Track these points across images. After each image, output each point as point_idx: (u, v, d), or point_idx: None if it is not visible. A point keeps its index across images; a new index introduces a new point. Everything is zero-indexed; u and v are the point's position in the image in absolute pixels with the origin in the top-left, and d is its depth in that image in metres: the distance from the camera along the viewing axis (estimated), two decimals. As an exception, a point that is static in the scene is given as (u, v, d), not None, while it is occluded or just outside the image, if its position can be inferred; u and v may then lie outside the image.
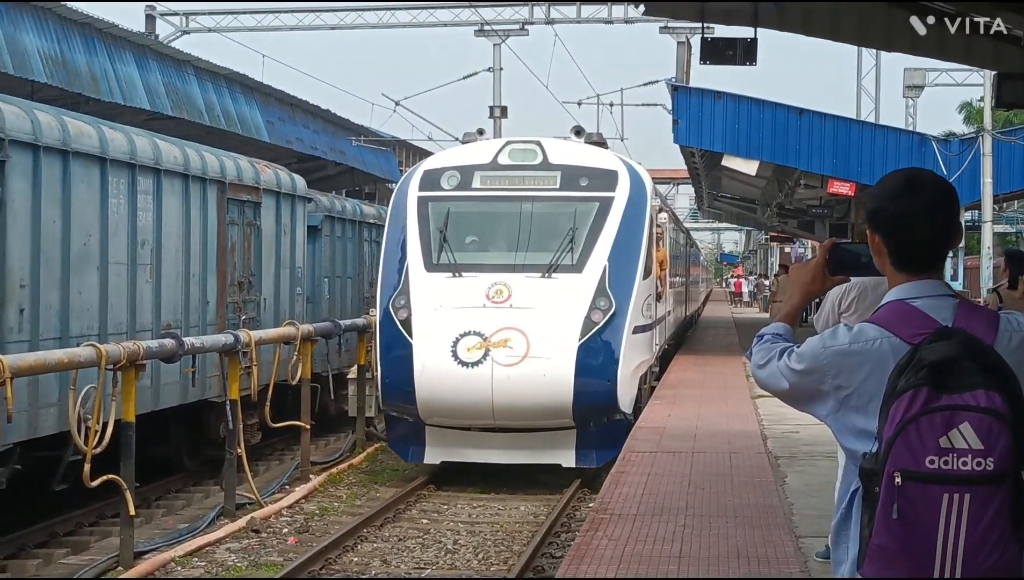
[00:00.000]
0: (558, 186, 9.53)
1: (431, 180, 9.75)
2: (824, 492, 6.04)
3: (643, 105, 24.20)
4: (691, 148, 18.43)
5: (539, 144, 9.83)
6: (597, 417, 8.73)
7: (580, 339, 8.46)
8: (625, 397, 8.92)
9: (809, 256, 28.63)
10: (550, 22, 15.06)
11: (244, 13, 20.03)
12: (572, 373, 8.36)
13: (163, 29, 19.77)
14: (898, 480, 1.46)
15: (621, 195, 9.39)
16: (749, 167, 17.42)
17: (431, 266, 9.11)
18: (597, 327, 8.59)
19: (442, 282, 8.98)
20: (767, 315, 23.05)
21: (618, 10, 16.37)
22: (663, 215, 12.73)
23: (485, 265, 9.24)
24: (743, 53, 7.95)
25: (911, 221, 1.63)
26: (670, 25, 14.16)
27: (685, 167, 23.82)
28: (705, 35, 8.20)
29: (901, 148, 16.14)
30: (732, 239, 54.77)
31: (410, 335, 8.62)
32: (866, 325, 1.64)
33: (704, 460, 7.83)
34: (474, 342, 8.37)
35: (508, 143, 10.13)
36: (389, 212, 10.27)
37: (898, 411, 1.47)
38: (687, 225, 30.29)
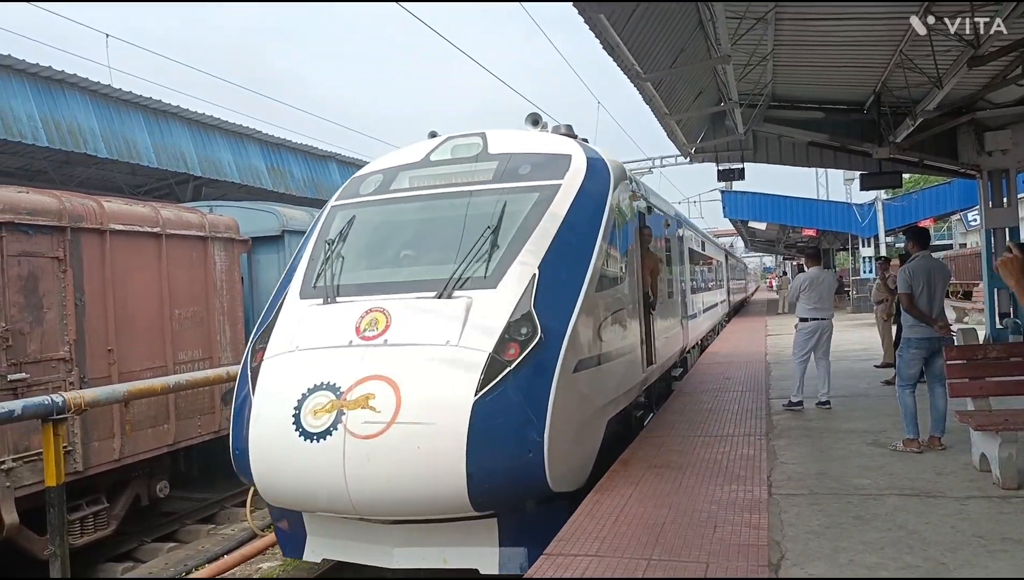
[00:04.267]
0: (491, 178, 6.76)
1: (353, 187, 7.43)
2: (784, 379, 10.43)
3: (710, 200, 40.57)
4: (733, 218, 33.18)
5: (483, 136, 7.24)
6: (517, 501, 5.39)
7: (479, 389, 5.17)
8: (561, 469, 5.44)
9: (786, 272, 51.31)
10: (662, 165, 27.98)
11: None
12: (464, 443, 5.04)
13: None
14: None
15: (572, 183, 6.60)
16: (761, 225, 32.23)
17: (308, 290, 6.42)
18: (511, 368, 5.27)
19: (312, 311, 6.11)
20: (777, 296, 35.25)
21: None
22: (665, 218, 10.41)
23: (370, 285, 6.20)
24: (738, 174, 16.59)
25: None
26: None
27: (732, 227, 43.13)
28: (719, 167, 16.86)
29: (838, 211, 26.87)
30: (769, 261, 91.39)
31: (254, 389, 5.76)
32: None
33: (735, 363, 13.81)
34: (324, 401, 5.28)
35: (449, 139, 7.46)
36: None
37: None
38: (740, 256, 53.91)
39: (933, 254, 7.99)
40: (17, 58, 12.10)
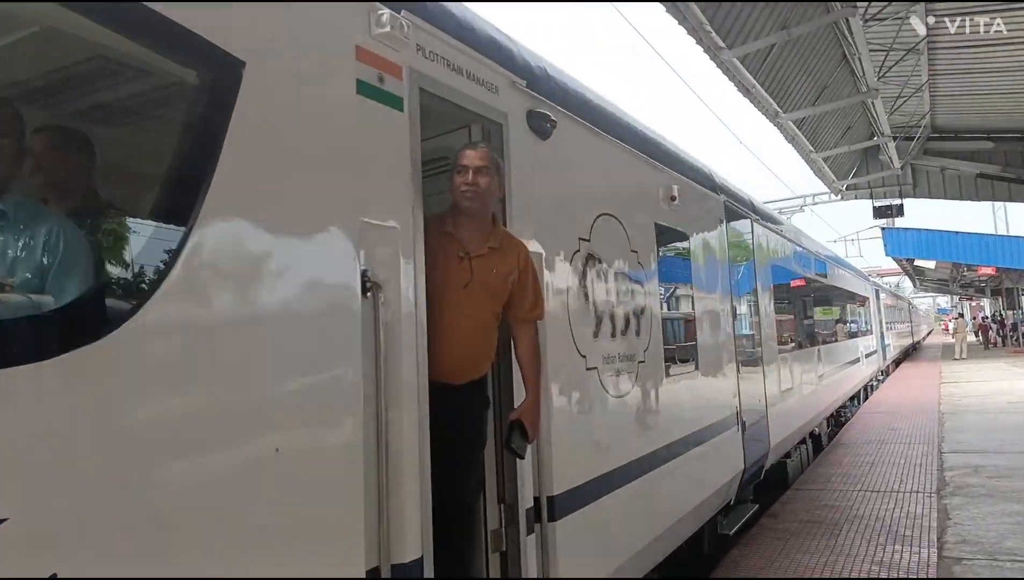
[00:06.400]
0: None
1: None
2: (960, 431, 10.40)
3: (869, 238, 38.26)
4: (897, 257, 30.28)
5: None
6: None
7: None
8: None
9: (962, 314, 49.02)
10: (814, 203, 22.92)
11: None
12: None
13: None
14: None
15: None
16: (930, 264, 29.85)
17: None
18: None
19: None
20: (953, 340, 34.20)
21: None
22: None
23: None
24: (896, 210, 15.59)
25: None
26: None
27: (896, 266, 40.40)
28: (875, 203, 15.89)
29: (1020, 246, 24.31)
30: (944, 301, 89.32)
31: None
32: None
33: (902, 413, 13.56)
34: None
35: None
36: None
37: None
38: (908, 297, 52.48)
39: None
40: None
